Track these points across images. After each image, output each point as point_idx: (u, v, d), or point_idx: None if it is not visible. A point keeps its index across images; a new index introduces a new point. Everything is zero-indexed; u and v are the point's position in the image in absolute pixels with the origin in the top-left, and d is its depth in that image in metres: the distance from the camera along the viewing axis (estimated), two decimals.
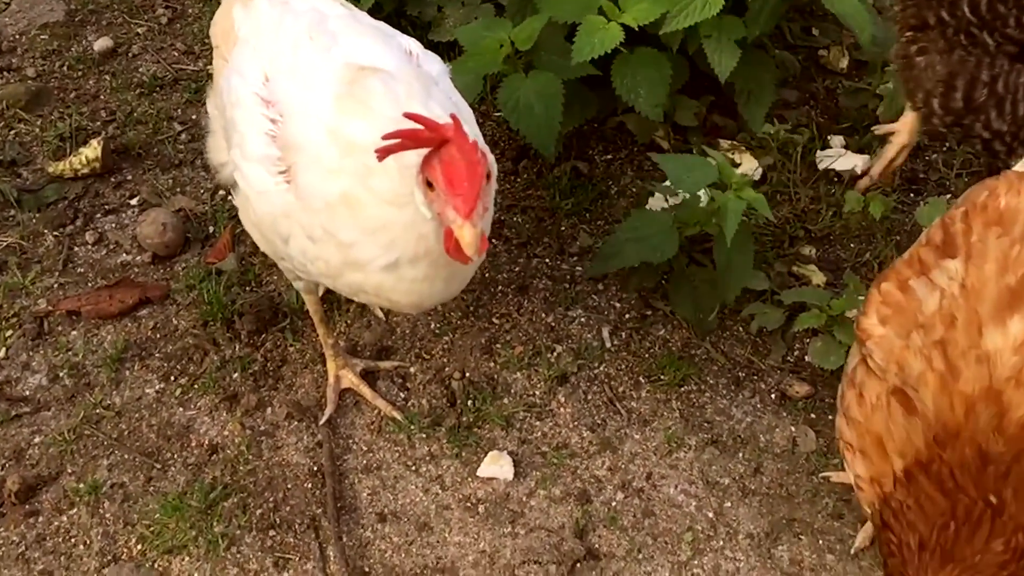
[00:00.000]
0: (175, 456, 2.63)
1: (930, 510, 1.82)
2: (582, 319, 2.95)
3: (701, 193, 2.90)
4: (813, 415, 2.74)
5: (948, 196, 3.27)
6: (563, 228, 3.21)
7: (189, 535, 2.46)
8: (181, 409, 2.72)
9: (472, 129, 2.23)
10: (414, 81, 2.13)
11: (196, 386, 2.76)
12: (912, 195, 3.34)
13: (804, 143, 3.37)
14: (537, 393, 2.78)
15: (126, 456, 2.62)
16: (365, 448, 2.66)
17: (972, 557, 1.75)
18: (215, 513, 2.50)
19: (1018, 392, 1.80)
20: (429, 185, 1.88)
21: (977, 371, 1.82)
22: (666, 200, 3.13)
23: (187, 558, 2.43)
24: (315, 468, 2.60)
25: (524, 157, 3.39)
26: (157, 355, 2.85)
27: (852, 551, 2.45)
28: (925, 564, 1.78)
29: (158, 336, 2.89)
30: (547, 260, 3.12)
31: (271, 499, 2.55)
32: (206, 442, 2.65)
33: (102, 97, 3.59)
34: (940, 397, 1.85)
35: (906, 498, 1.86)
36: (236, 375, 2.78)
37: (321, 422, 2.67)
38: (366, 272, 2.10)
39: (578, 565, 2.43)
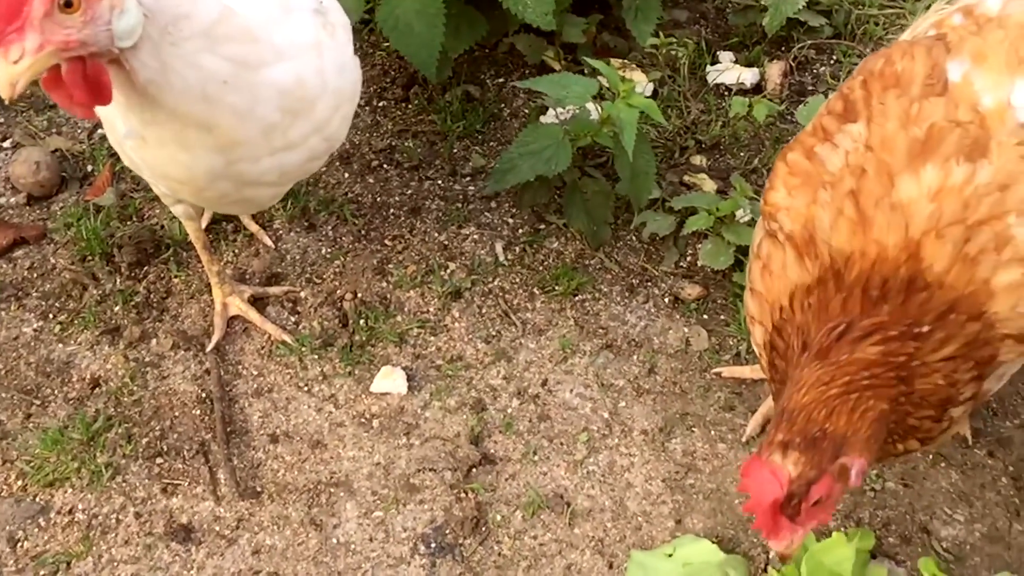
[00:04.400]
0: (55, 392, 2.54)
1: (800, 320, 1.86)
2: (475, 236, 2.93)
3: (591, 106, 2.90)
4: (705, 316, 2.77)
5: None
6: (455, 151, 3.17)
7: (71, 467, 2.38)
8: (61, 345, 2.63)
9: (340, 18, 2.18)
10: None
11: (76, 322, 2.67)
12: (800, 106, 3.37)
13: (691, 55, 3.39)
14: (431, 310, 2.75)
15: (3, 395, 2.52)
16: (255, 373, 2.60)
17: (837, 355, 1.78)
18: (98, 444, 2.43)
19: (938, 245, 1.80)
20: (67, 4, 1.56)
21: (892, 219, 1.82)
22: (557, 117, 3.13)
23: (70, 490, 2.35)
24: (203, 395, 2.54)
25: (414, 84, 3.34)
26: (34, 294, 2.74)
27: (744, 439, 2.48)
28: (800, 369, 1.80)
29: (35, 275, 2.78)
30: (439, 182, 3.09)
31: (157, 427, 2.48)
32: (88, 376, 2.56)
33: None
34: (852, 243, 1.85)
35: (790, 318, 1.89)
36: (117, 308, 2.69)
37: (208, 349, 2.61)
38: (129, 146, 1.99)
39: (474, 470, 2.42)
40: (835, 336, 1.80)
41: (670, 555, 2.22)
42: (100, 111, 1.89)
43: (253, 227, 2.88)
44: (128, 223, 2.89)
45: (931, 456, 2.45)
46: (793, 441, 1.70)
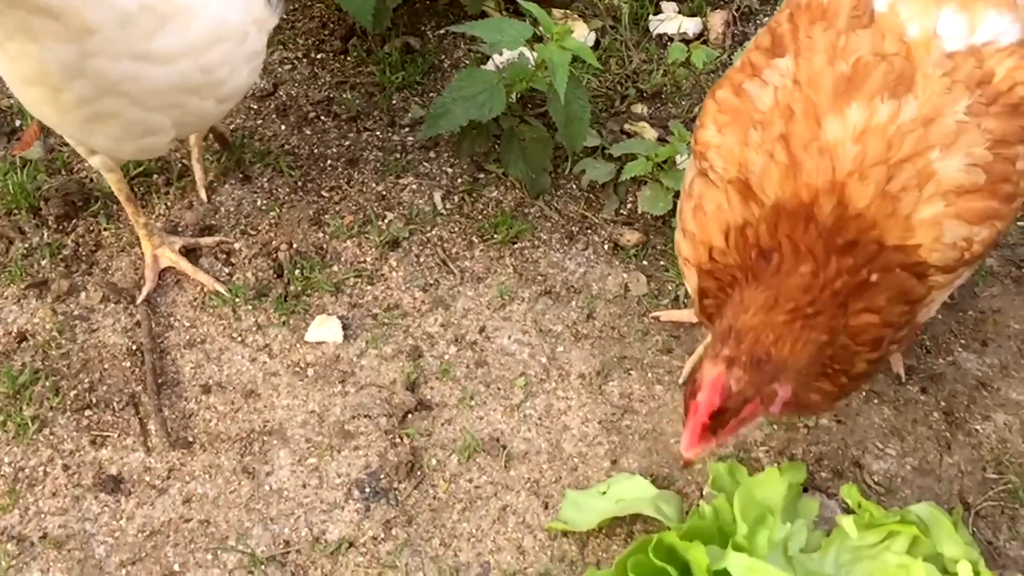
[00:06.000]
0: None
1: (741, 253, 1.87)
2: (413, 186, 2.90)
3: (528, 53, 2.87)
4: (645, 262, 2.76)
5: None
6: (394, 102, 3.13)
7: None
8: None
9: None
10: None
11: (2, 276, 2.60)
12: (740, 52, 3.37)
13: (633, 5, 3.36)
14: (368, 259, 2.72)
15: None
16: (188, 324, 2.56)
17: (776, 277, 1.80)
18: (24, 398, 2.38)
19: (860, 185, 1.81)
20: None
21: (820, 162, 1.83)
22: (496, 66, 3.09)
23: None
24: (134, 347, 2.49)
25: (353, 36, 3.29)
26: None
27: (680, 381, 2.49)
28: (739, 294, 1.81)
29: None
30: (378, 133, 3.04)
31: (86, 380, 2.43)
32: (14, 330, 2.51)
33: None
34: (784, 188, 1.86)
35: (722, 256, 1.90)
36: (45, 262, 2.63)
37: (139, 301, 2.56)
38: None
39: (409, 416, 2.41)
40: (759, 256, 1.82)
41: (604, 493, 2.23)
42: None
43: (199, 171, 2.78)
44: (56, 176, 2.82)
45: (864, 393, 2.47)
46: (739, 359, 1.74)
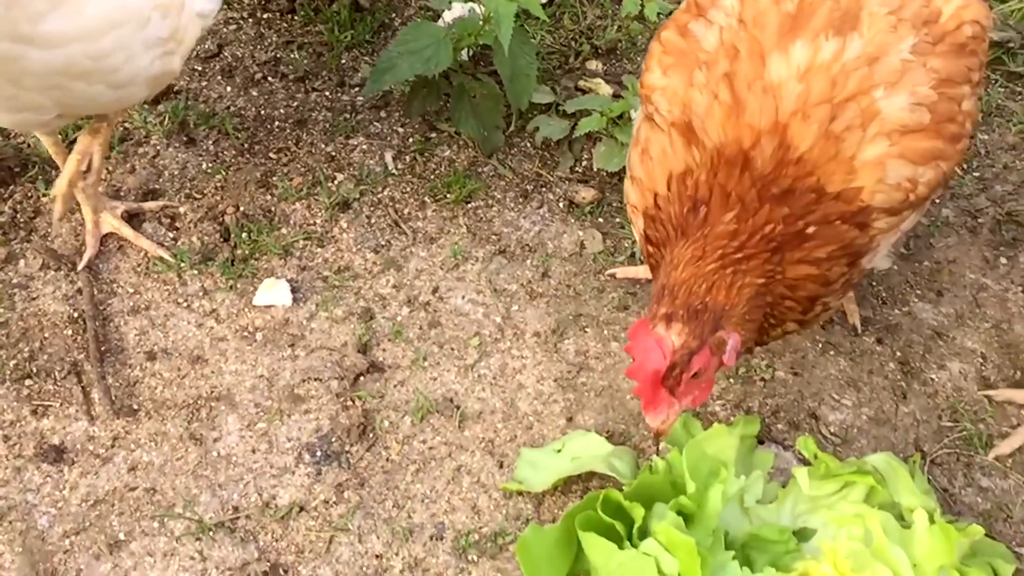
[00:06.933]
0: None
1: (678, 206, 1.84)
2: (364, 147, 2.83)
3: (479, 10, 2.80)
4: (601, 219, 2.72)
5: None
6: (343, 61, 3.05)
7: None
8: None
9: None
10: None
11: None
12: None
13: None
14: (317, 221, 2.66)
15: None
16: (131, 290, 2.49)
17: (702, 230, 1.78)
18: None
19: (803, 125, 1.78)
20: None
21: (764, 102, 1.80)
22: (446, 23, 3.02)
23: None
24: (76, 315, 2.42)
25: None
26: None
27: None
28: (672, 248, 1.79)
29: None
30: (327, 93, 2.97)
31: (26, 349, 2.35)
32: None
33: None
34: (726, 128, 1.82)
35: (666, 204, 1.87)
36: None
37: (80, 268, 2.48)
38: None
39: (361, 378, 2.36)
40: (691, 209, 1.79)
41: (559, 451, 2.20)
42: None
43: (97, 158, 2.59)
44: None
45: (820, 345, 2.45)
46: (676, 313, 1.72)
